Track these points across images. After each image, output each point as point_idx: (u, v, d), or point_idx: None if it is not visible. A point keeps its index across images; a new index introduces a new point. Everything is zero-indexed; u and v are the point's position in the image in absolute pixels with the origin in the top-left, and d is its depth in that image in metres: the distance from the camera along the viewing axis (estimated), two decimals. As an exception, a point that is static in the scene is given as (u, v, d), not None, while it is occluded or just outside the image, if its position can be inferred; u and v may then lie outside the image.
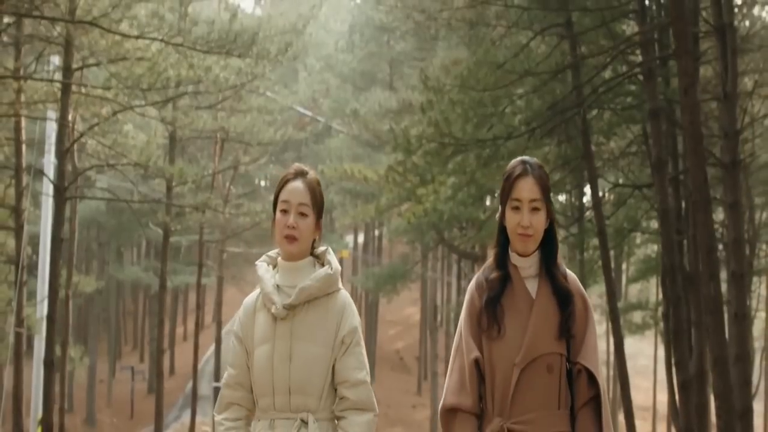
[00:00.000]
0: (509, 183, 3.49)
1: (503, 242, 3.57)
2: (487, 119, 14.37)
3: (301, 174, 3.59)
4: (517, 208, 3.46)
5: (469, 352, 3.46)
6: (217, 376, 34.74)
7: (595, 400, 3.45)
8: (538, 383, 3.40)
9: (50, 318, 16.31)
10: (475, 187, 15.10)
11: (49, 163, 19.34)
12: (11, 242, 21.63)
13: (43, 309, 20.98)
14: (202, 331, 48.75)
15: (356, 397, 3.51)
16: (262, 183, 41.81)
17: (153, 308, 53.26)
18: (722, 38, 15.67)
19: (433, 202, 14.76)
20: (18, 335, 21.19)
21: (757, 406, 38.22)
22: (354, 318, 3.60)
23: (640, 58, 17.69)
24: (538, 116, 16.15)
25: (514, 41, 17.56)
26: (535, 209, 3.46)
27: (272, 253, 3.72)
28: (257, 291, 3.67)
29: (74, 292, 26.02)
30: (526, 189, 3.45)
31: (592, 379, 3.45)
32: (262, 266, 3.67)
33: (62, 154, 16.22)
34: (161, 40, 12.04)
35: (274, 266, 3.69)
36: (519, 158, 3.55)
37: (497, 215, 3.59)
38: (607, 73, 18.38)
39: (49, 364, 16.93)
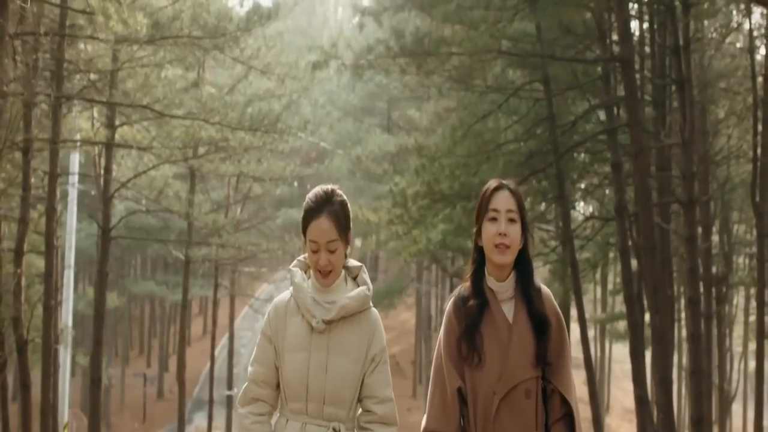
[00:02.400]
0: (486, 197, 3.57)
1: (479, 264, 3.62)
2: (471, 178, 16.90)
3: (324, 204, 3.58)
4: (494, 219, 3.52)
5: (451, 380, 3.53)
6: (229, 385, 36.86)
7: (569, 417, 3.55)
8: (517, 408, 3.48)
9: (97, 341, 18.64)
10: (461, 231, 17.67)
11: (74, 190, 21.89)
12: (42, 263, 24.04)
13: (68, 321, 23.56)
14: (202, 342, 51.14)
15: (383, 413, 3.66)
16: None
17: (160, 315, 55.76)
18: (681, 91, 18.39)
19: (426, 243, 17.40)
20: (54, 350, 23.71)
21: (737, 407, 40.47)
22: (383, 337, 3.71)
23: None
24: (517, 165, 18.71)
25: (498, 96, 20.06)
26: (511, 220, 3.52)
27: (303, 257, 3.77)
28: (288, 293, 3.73)
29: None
30: (503, 200, 3.53)
31: (565, 398, 3.54)
32: (297, 273, 3.71)
33: (107, 200, 18.70)
34: (203, 120, 14.45)
35: (306, 271, 3.74)
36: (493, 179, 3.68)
37: (473, 234, 3.65)
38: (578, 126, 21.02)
39: (96, 380, 19.27)
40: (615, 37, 18.80)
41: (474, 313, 3.55)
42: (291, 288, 3.71)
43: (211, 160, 20.53)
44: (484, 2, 17.22)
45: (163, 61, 14.44)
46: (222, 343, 48.81)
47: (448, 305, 3.66)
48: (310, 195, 3.60)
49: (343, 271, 3.70)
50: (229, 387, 35.53)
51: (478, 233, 3.59)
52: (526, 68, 20.07)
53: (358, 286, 3.70)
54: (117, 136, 17.81)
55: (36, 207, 23.43)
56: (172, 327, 54.16)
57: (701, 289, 26.20)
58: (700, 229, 26.15)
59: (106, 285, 19.47)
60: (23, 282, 17.96)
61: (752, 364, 33.62)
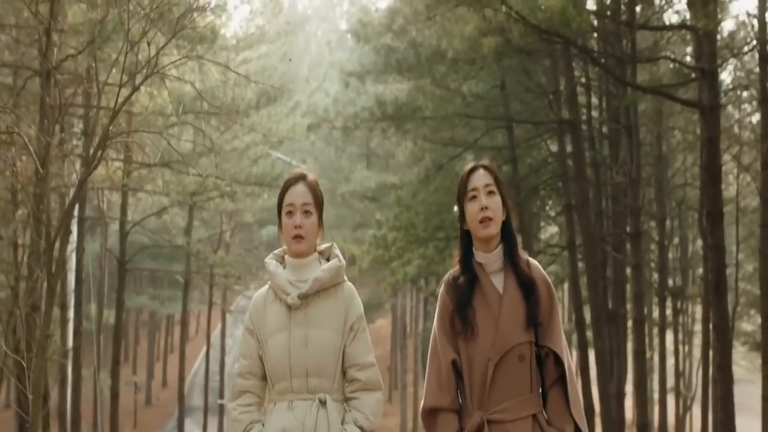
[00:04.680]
0: (464, 180, 3.69)
1: (466, 245, 3.70)
2: (445, 216, 19.68)
3: (301, 177, 3.77)
4: (474, 197, 3.63)
5: (446, 354, 3.60)
6: (221, 394, 39.07)
7: (562, 378, 3.61)
8: (511, 373, 3.55)
9: (116, 360, 21.13)
10: (434, 264, 20.47)
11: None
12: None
13: (69, 340, 25.88)
14: (191, 345, 53.32)
15: (366, 378, 3.73)
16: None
17: (147, 324, 57.71)
18: (629, 136, 21.10)
19: (403, 276, 20.21)
20: (63, 365, 26.00)
21: (696, 410, 42.88)
22: (360, 306, 3.80)
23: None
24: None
25: (469, 138, 22.61)
26: (490, 192, 3.63)
27: (278, 251, 3.88)
28: (265, 287, 3.84)
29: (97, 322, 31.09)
30: (479, 177, 3.66)
31: (558, 359, 3.61)
32: (272, 263, 3.80)
33: (123, 236, 21.26)
34: (217, 177, 16.99)
35: (281, 263, 3.83)
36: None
37: (457, 219, 3.76)
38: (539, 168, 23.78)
39: (115, 395, 21.69)
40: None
41: (465, 289, 3.63)
42: (268, 281, 3.84)
43: (212, 198, 23.13)
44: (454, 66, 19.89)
45: (183, 131, 17.01)
46: (204, 350, 50.62)
47: (441, 287, 3.75)
48: (289, 174, 3.88)
49: (317, 254, 3.81)
50: (221, 396, 37.69)
51: (462, 218, 3.70)
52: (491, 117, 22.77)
53: (330, 261, 3.81)
54: (133, 181, 20.37)
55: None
56: (157, 334, 56.22)
57: (659, 302, 28.92)
58: (655, 247, 28.83)
59: (123, 310, 22.03)
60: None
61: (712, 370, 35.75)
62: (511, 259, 3.66)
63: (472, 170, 3.69)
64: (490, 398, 3.54)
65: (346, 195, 27.62)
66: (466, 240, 3.70)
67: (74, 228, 24.31)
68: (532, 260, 3.72)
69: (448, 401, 3.59)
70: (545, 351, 3.61)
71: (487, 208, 3.59)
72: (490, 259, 3.65)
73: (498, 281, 3.65)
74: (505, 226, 3.67)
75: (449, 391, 3.59)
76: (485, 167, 3.70)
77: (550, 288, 3.70)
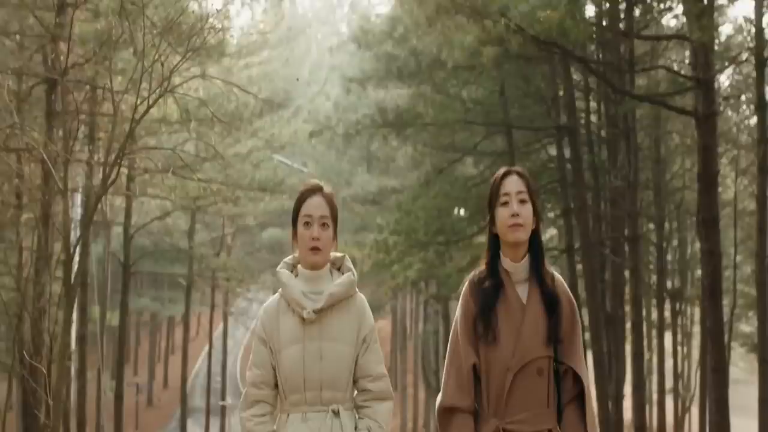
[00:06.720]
0: (496, 183, 3.67)
1: (494, 250, 3.69)
2: (445, 220, 20.00)
3: (318, 189, 3.78)
4: (506, 203, 3.60)
5: (467, 357, 3.62)
6: (223, 395, 39.45)
7: (580, 396, 3.63)
8: (529, 386, 3.56)
9: (120, 362, 21.45)
10: (434, 267, 20.78)
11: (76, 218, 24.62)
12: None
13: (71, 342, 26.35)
14: (191, 346, 53.62)
15: (378, 389, 3.77)
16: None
17: (148, 325, 58.09)
18: (627, 140, 21.37)
19: (404, 279, 20.53)
20: (66, 367, 26.38)
21: (694, 410, 43.19)
22: (371, 318, 3.83)
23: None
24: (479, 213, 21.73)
25: (469, 142, 22.91)
26: (522, 201, 3.60)
27: (288, 259, 3.89)
28: (276, 296, 3.84)
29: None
30: (513, 183, 3.62)
31: (577, 377, 3.62)
32: (285, 273, 3.81)
33: (127, 240, 21.55)
34: (221, 183, 17.24)
35: (291, 270, 3.85)
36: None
37: (487, 223, 3.74)
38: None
39: (119, 397, 22.04)
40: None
41: (489, 294, 3.64)
42: (279, 289, 3.84)
43: (216, 202, 23.44)
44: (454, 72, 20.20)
45: (189, 138, 17.28)
46: (205, 351, 50.95)
47: (464, 287, 3.74)
48: (304, 184, 3.87)
49: (329, 265, 3.84)
50: (222, 397, 38.04)
51: (492, 221, 3.69)
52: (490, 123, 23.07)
53: (343, 275, 3.83)
54: (137, 185, 20.65)
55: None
56: (157, 335, 56.56)
57: (657, 304, 29.14)
58: (654, 249, 29.09)
59: (127, 313, 22.33)
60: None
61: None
62: (536, 271, 3.67)
63: (505, 175, 3.67)
64: (507, 408, 3.56)
65: (347, 198, 28.04)
66: (494, 244, 3.70)
67: (78, 232, 24.72)
68: (557, 276, 3.73)
69: (466, 403, 3.60)
70: (564, 368, 3.63)
71: (518, 215, 3.58)
72: (517, 268, 3.66)
73: (522, 291, 3.66)
74: (534, 236, 3.67)
75: (468, 393, 3.60)
76: (519, 173, 3.67)
77: (573, 306, 3.70)
